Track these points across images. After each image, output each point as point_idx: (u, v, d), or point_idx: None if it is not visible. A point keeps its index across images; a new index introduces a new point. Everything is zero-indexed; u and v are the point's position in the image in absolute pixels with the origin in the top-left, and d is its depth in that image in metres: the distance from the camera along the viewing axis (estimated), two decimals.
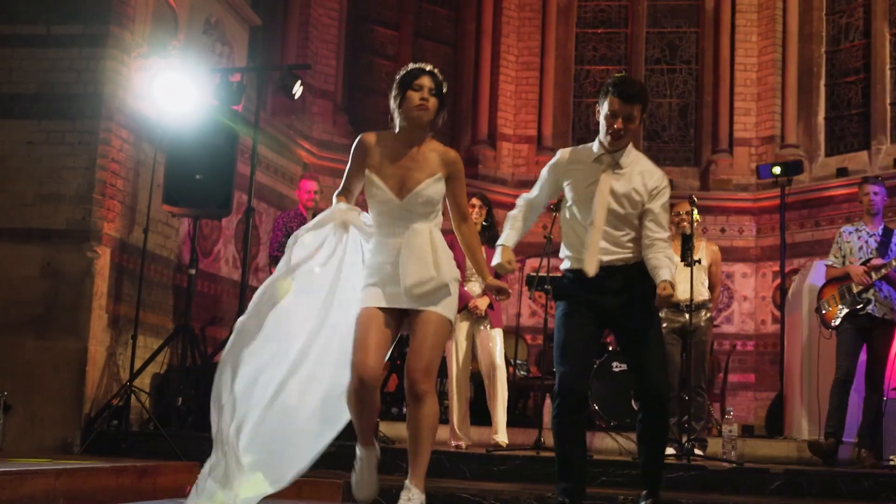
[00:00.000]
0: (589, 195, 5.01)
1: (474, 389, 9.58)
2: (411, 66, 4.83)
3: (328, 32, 13.19)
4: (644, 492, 5.17)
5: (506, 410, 7.94)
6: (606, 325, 5.24)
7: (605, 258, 4.98)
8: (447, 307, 4.68)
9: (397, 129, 4.79)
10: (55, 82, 8.04)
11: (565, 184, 5.15)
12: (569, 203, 5.14)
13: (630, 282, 5.01)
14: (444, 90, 4.81)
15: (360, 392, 4.56)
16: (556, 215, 8.05)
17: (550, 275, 8.35)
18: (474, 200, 8.00)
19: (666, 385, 5.13)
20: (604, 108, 4.98)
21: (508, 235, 5.23)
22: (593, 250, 4.96)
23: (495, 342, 7.88)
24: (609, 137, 4.98)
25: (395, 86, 4.77)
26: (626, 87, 4.88)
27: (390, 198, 4.66)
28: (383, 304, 4.62)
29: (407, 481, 4.67)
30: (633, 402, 8.28)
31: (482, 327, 7.88)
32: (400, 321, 4.71)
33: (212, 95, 8.28)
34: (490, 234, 8.00)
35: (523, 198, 5.31)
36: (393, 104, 4.77)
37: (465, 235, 5.00)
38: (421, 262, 4.60)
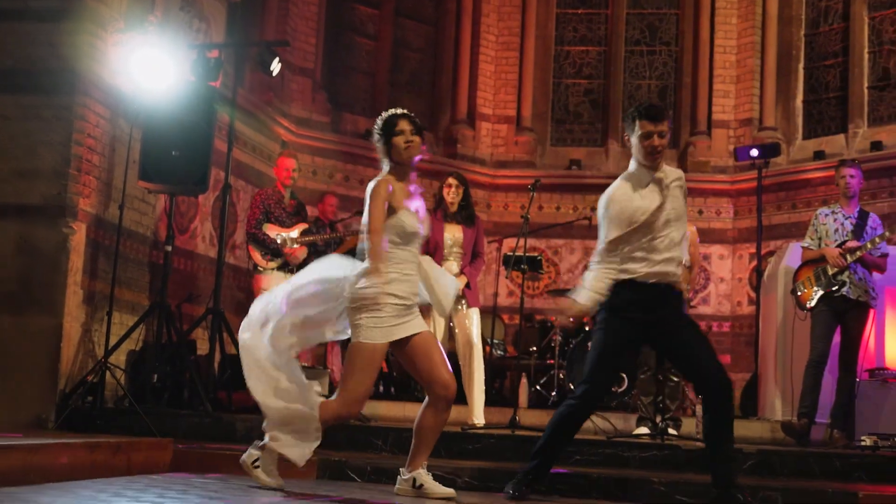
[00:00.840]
0: (653, 212, 5.22)
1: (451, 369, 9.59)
2: (386, 114, 5.22)
3: (308, 9, 13.11)
4: (728, 487, 5.18)
5: (483, 391, 7.94)
6: (647, 339, 5.43)
7: (665, 276, 5.27)
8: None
9: (387, 171, 5.18)
10: (32, 57, 7.95)
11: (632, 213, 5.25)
12: (632, 222, 5.24)
13: (669, 292, 5.30)
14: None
15: (341, 421, 5.20)
16: (534, 195, 8.12)
17: (527, 254, 8.37)
18: (451, 180, 7.99)
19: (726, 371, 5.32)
20: (635, 133, 5.22)
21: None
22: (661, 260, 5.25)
23: (472, 321, 7.88)
24: (648, 158, 5.23)
25: (380, 131, 5.18)
26: (652, 108, 5.22)
27: (420, 232, 5.10)
28: (403, 335, 4.99)
29: (423, 470, 5.13)
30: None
31: (459, 307, 7.88)
32: None
33: (189, 72, 8.23)
34: (466, 213, 7.99)
35: (600, 250, 5.35)
36: (380, 150, 5.20)
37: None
38: (446, 286, 5.16)
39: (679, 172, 5.45)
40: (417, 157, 5.16)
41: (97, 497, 4.37)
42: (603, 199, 5.32)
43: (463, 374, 7.97)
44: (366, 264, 4.94)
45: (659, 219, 5.23)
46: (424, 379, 5.06)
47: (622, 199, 5.25)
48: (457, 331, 7.93)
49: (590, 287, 5.24)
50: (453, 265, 7.93)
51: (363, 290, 4.90)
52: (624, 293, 5.25)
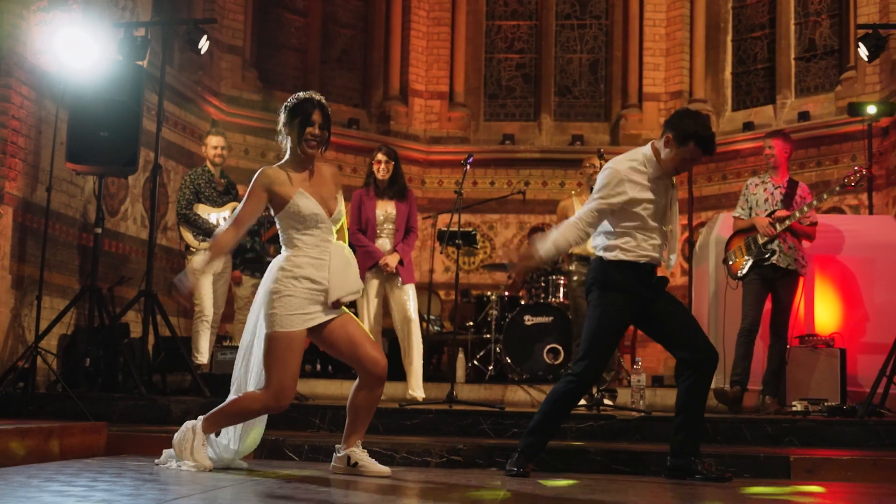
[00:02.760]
0: (658, 203, 5.31)
1: (388, 345, 9.61)
2: (302, 96, 5.07)
3: None
4: (692, 458, 5.29)
5: (421, 365, 7.96)
6: (641, 315, 5.46)
7: (659, 261, 5.40)
8: None
9: (289, 155, 5.09)
10: None
11: (634, 196, 5.29)
12: (625, 206, 5.28)
13: (655, 275, 5.45)
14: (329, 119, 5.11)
15: (270, 412, 5.12)
16: (467, 170, 8.12)
17: (462, 230, 8.38)
18: (380, 156, 7.95)
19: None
20: (684, 150, 5.23)
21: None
22: (658, 249, 5.38)
23: (408, 297, 7.88)
24: (671, 171, 5.33)
25: (289, 111, 5.04)
26: (712, 143, 5.27)
27: (323, 214, 4.98)
28: (320, 321, 4.95)
29: (357, 448, 5.12)
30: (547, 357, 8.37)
31: (394, 284, 7.88)
32: None
33: (115, 51, 8.11)
34: (397, 187, 7.97)
35: (587, 216, 5.33)
36: (284, 129, 5.08)
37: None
38: (349, 276, 5.00)
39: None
40: (315, 153, 5.03)
41: (29, 483, 4.31)
42: (609, 172, 5.32)
43: (402, 349, 7.98)
44: (279, 258, 4.98)
45: (662, 211, 5.34)
46: (351, 360, 5.04)
47: (631, 178, 5.27)
48: (393, 307, 7.93)
49: (553, 240, 5.27)
50: (386, 242, 7.91)
51: (275, 283, 4.90)
52: (617, 271, 5.31)
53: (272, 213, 5.05)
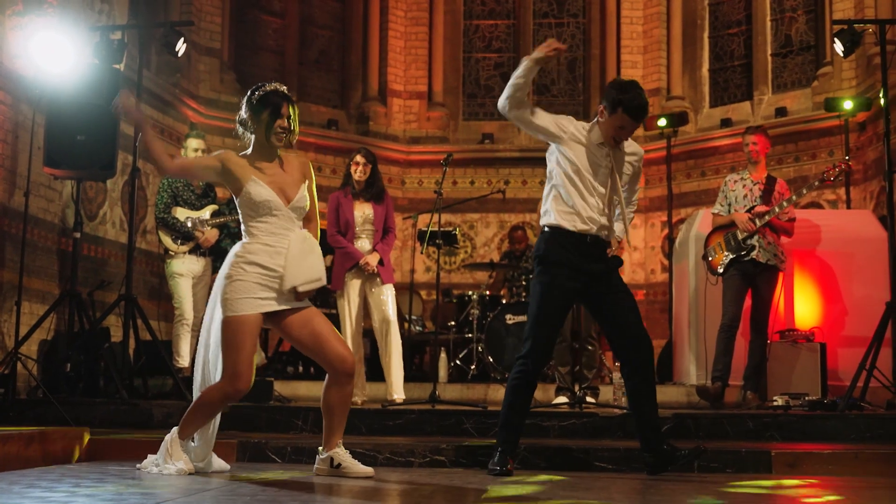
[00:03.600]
0: (595, 171, 5.30)
1: (369, 346, 9.60)
2: (268, 88, 5.03)
3: None
4: (664, 446, 5.30)
5: (401, 367, 7.95)
6: (584, 293, 5.41)
7: (603, 234, 5.34)
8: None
9: (252, 148, 5.06)
10: None
11: (565, 148, 5.34)
12: (565, 169, 5.32)
13: (604, 252, 5.38)
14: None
15: (231, 400, 5.01)
16: (446, 170, 8.13)
17: (442, 229, 8.39)
18: (358, 157, 7.96)
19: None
20: (615, 118, 5.25)
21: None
22: (603, 219, 5.33)
23: (387, 298, 7.88)
24: (611, 140, 5.30)
25: (256, 102, 5.00)
26: (639, 111, 5.25)
27: (278, 201, 4.94)
28: (273, 308, 4.91)
29: (339, 449, 5.08)
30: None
31: (373, 284, 7.87)
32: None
33: (92, 54, 8.07)
34: (375, 189, 7.97)
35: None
36: (249, 120, 5.05)
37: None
38: (308, 264, 4.94)
39: (638, 150, 5.56)
40: (283, 145, 5.03)
41: (10, 489, 4.28)
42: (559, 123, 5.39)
43: (380, 350, 7.98)
44: (235, 246, 5.02)
45: (602, 180, 5.31)
46: (317, 356, 5.02)
47: (575, 136, 5.34)
48: (372, 308, 7.92)
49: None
50: (365, 243, 7.91)
51: (228, 269, 4.93)
52: (555, 242, 5.30)
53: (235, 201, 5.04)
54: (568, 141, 5.33)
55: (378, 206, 7.95)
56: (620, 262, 5.47)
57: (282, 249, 4.91)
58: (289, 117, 4.98)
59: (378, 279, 7.85)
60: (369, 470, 5.07)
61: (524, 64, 5.32)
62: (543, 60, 5.35)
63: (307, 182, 5.10)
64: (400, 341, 7.96)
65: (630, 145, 5.49)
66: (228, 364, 4.85)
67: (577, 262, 5.27)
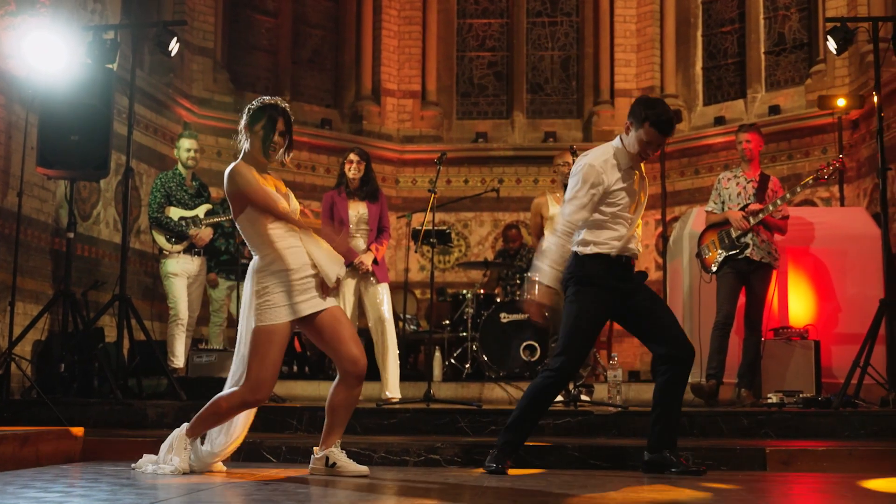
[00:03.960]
0: (631, 194, 5.35)
1: (364, 345, 9.57)
2: (267, 101, 5.08)
3: None
4: (667, 452, 5.29)
5: (397, 366, 7.95)
6: (619, 310, 5.47)
7: (634, 253, 5.42)
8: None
9: (244, 155, 5.07)
10: None
11: (609, 187, 5.34)
12: (608, 198, 5.33)
13: (632, 270, 5.49)
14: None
15: (248, 407, 5.05)
16: (440, 169, 8.12)
17: (436, 228, 8.39)
18: (352, 156, 7.97)
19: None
20: (641, 133, 5.27)
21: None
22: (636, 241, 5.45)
23: (382, 297, 7.88)
24: (637, 158, 5.35)
25: (250, 116, 5.04)
26: (667, 125, 5.29)
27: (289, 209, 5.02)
28: (319, 308, 4.95)
29: (335, 448, 5.09)
30: (523, 353, 8.39)
31: (368, 283, 7.87)
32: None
33: (85, 54, 8.05)
34: (369, 188, 7.96)
35: (573, 221, 5.33)
36: (245, 134, 5.05)
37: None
38: (332, 258, 4.99)
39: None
40: (277, 157, 5.06)
41: (4, 490, 4.28)
42: (586, 168, 5.32)
43: (376, 349, 7.97)
44: (255, 260, 4.99)
45: (634, 201, 5.36)
46: (333, 354, 5.06)
47: (605, 171, 5.30)
48: (367, 307, 7.92)
49: (550, 263, 5.30)
50: (360, 242, 7.90)
51: (258, 276, 4.91)
52: (593, 265, 5.33)
53: (233, 213, 5.02)
54: (606, 180, 5.31)
55: (372, 205, 7.94)
56: (646, 276, 5.59)
57: (300, 249, 4.95)
58: (281, 132, 5.01)
59: (373, 278, 7.85)
60: (364, 469, 5.07)
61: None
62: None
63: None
64: (395, 340, 7.96)
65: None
66: (252, 372, 4.88)
67: (611, 282, 5.33)
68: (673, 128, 5.41)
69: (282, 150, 5.04)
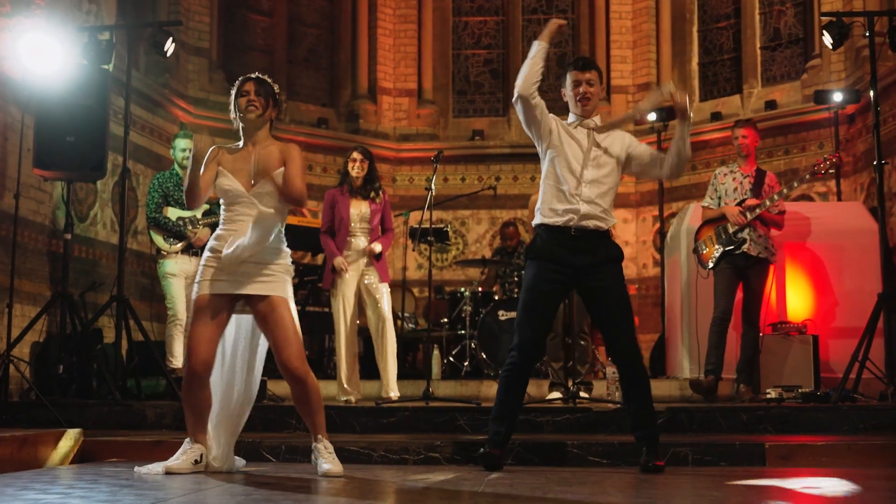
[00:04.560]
0: (574, 157, 5.33)
1: (363, 344, 9.59)
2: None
3: None
4: (644, 447, 5.24)
5: (395, 364, 7.95)
6: (573, 286, 5.43)
7: (586, 222, 5.25)
8: (289, 290, 5.05)
9: (241, 134, 5.16)
10: None
11: (547, 141, 5.42)
12: (549, 161, 5.40)
13: (599, 245, 5.30)
14: (274, 89, 5.19)
15: (192, 380, 4.95)
16: (437, 167, 8.12)
17: (434, 227, 8.39)
18: (355, 154, 7.98)
19: (636, 341, 5.37)
20: (567, 85, 5.42)
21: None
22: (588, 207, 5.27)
23: (383, 295, 7.88)
24: (580, 105, 5.41)
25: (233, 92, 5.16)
26: (580, 61, 5.47)
27: (239, 189, 5.00)
28: (224, 291, 4.95)
29: (318, 442, 5.04)
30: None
31: (369, 282, 7.87)
32: (231, 306, 5.03)
33: (80, 55, 8.04)
34: (371, 187, 7.97)
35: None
36: (232, 114, 5.16)
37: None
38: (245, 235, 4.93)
39: (624, 135, 5.53)
40: (253, 117, 5.05)
41: (4, 492, 4.27)
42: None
43: (376, 348, 7.98)
44: None
45: (582, 164, 5.30)
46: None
47: (558, 126, 5.41)
48: (368, 306, 7.92)
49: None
50: (361, 240, 7.91)
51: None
52: (538, 238, 5.34)
53: None
54: (554, 129, 5.39)
55: (374, 204, 7.95)
56: (614, 252, 5.37)
57: (237, 235, 4.95)
58: (255, 91, 5.05)
59: (374, 276, 7.85)
60: (333, 469, 4.95)
61: (539, 46, 5.30)
62: (555, 35, 5.37)
63: (284, 166, 5.04)
64: (395, 339, 7.96)
65: (615, 133, 5.48)
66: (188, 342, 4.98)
67: (557, 254, 5.26)
68: (588, 61, 5.51)
69: (261, 109, 5.06)
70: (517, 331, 5.29)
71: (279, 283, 4.98)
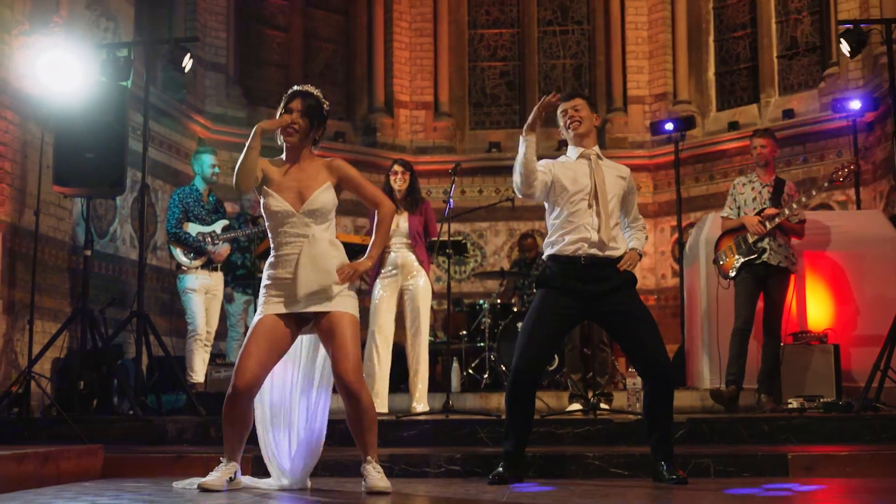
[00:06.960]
0: (579, 188, 5.39)
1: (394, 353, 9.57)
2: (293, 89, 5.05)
3: (216, 4, 12.97)
4: (663, 464, 5.22)
5: (427, 376, 7.92)
6: (587, 315, 5.46)
7: (595, 251, 5.30)
8: (352, 305, 4.93)
9: (283, 150, 5.04)
10: None
11: (553, 189, 5.46)
12: (555, 196, 5.44)
13: (611, 273, 5.32)
14: (322, 105, 5.03)
15: (234, 399, 4.85)
16: (454, 179, 8.12)
17: (452, 239, 8.39)
18: (396, 167, 7.99)
19: (667, 357, 5.35)
20: (559, 120, 5.56)
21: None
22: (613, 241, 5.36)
23: (423, 289, 7.89)
24: (571, 130, 5.51)
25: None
26: (566, 95, 5.57)
27: (288, 209, 4.88)
28: (282, 311, 4.86)
29: (367, 463, 4.93)
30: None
31: (411, 287, 7.85)
32: (297, 328, 4.95)
33: (99, 72, 8.08)
34: (411, 199, 7.95)
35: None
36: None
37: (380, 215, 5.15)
38: (316, 271, 4.86)
39: (624, 169, 5.60)
40: (293, 140, 4.92)
41: None
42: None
43: (408, 356, 7.95)
44: None
45: (589, 195, 5.35)
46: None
47: (555, 168, 5.47)
48: (407, 314, 7.88)
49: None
50: (396, 256, 7.87)
51: None
52: (548, 268, 5.38)
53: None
54: (554, 172, 5.46)
55: (413, 217, 7.91)
56: (627, 279, 5.36)
57: (289, 258, 4.87)
58: (300, 112, 4.91)
59: (420, 276, 7.88)
60: (381, 485, 4.89)
61: (524, 142, 5.39)
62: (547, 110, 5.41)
63: (332, 182, 4.97)
64: (427, 349, 7.94)
65: (617, 165, 5.59)
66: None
67: (566, 283, 5.29)
68: (576, 91, 5.66)
69: (302, 134, 4.92)
70: (516, 353, 5.32)
71: (343, 298, 4.89)
